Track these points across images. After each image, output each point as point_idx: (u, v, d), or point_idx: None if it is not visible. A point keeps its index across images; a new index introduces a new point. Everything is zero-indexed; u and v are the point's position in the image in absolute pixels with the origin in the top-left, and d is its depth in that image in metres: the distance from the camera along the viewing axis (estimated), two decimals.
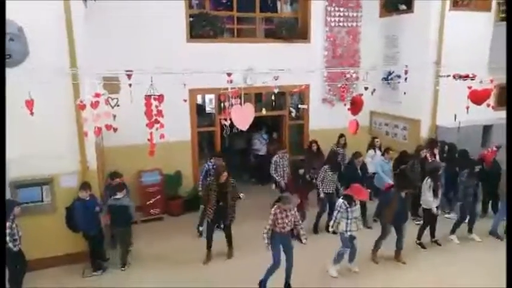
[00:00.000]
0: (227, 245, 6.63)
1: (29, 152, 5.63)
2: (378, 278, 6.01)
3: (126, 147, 7.71)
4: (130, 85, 4.24)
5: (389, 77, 9.29)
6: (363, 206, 7.05)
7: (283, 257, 5.50)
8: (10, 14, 5.24)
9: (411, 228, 6.99)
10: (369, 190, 7.17)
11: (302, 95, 9.59)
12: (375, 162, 8.16)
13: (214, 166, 7.36)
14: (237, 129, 5.14)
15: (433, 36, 8.51)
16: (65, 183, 6.02)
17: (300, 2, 9.60)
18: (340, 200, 5.91)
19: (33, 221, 5.72)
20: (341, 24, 9.48)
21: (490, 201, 7.81)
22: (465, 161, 7.51)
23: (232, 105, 5.07)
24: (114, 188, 6.25)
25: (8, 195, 5.54)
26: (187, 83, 4.68)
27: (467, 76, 6.21)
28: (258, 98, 9.37)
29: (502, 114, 7.72)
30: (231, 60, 7.42)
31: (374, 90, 6.34)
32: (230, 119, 5.01)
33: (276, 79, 5.24)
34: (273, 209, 5.37)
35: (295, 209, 5.57)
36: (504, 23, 8.30)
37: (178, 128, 7.95)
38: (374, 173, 7.96)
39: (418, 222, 7.31)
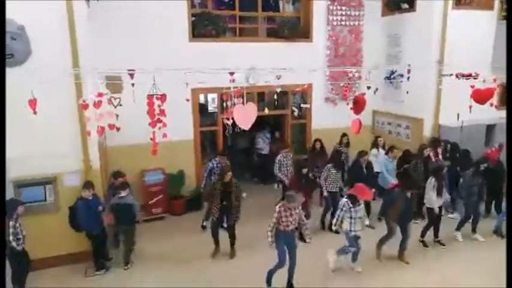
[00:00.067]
0: (230, 245, 6.63)
1: (32, 152, 5.64)
2: (380, 278, 5.99)
3: (128, 147, 7.73)
4: (133, 84, 4.23)
5: (392, 76, 9.25)
6: (367, 205, 7.04)
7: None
8: (13, 13, 5.27)
9: (414, 227, 6.96)
10: (374, 189, 7.18)
11: (304, 94, 9.57)
12: (378, 161, 8.14)
13: (218, 165, 7.41)
14: (239, 128, 5.14)
15: (436, 35, 8.49)
16: (68, 182, 6.04)
17: (302, 1, 9.58)
18: (344, 199, 5.92)
19: (36, 220, 5.74)
20: (343, 23, 9.46)
21: (494, 201, 7.77)
22: (466, 160, 7.49)
23: (234, 104, 5.06)
24: (118, 187, 6.27)
25: (11, 194, 5.56)
26: (189, 82, 4.67)
27: (470, 75, 6.17)
28: (260, 97, 9.37)
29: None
30: (233, 59, 7.40)
31: (377, 89, 6.31)
32: (232, 119, 5.00)
33: (278, 78, 5.22)
34: (277, 207, 5.38)
35: (300, 207, 5.57)
36: None
37: (181, 127, 7.94)
38: (378, 172, 7.94)
39: (416, 222, 7.26)
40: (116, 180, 6.60)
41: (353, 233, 5.87)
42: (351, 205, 5.80)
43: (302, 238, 6.25)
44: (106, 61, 6.16)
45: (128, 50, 7.44)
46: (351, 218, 5.82)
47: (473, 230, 7.15)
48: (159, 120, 4.39)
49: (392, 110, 9.70)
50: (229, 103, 5.23)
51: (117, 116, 4.79)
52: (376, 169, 7.92)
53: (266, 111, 6.34)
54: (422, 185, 6.81)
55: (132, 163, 7.72)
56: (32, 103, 4.14)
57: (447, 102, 8.41)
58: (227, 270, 6.24)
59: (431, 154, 7.75)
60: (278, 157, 7.95)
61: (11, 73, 5.23)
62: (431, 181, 6.69)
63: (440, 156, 7.90)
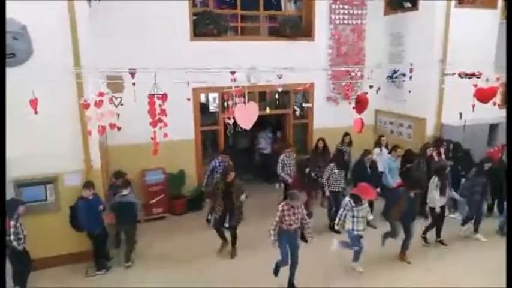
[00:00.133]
0: (231, 244, 6.63)
1: (32, 151, 5.64)
2: (382, 278, 5.97)
3: (129, 146, 7.72)
4: (134, 84, 4.21)
5: (395, 75, 9.23)
6: (370, 205, 7.02)
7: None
8: (14, 13, 5.27)
9: (416, 226, 6.95)
10: (378, 189, 7.16)
11: (306, 93, 9.54)
12: (381, 160, 8.11)
13: (221, 163, 7.42)
14: (241, 128, 5.12)
15: (439, 34, 8.44)
16: (68, 182, 6.03)
17: (304, 0, 9.54)
18: (347, 198, 5.92)
19: (37, 220, 5.74)
20: (345, 22, 9.43)
21: (496, 200, 7.73)
22: (467, 160, 7.45)
23: (235, 103, 5.03)
24: (120, 186, 6.28)
25: (12, 194, 5.56)
26: (190, 82, 4.65)
27: (473, 74, 6.12)
28: (261, 96, 9.34)
29: None
30: (234, 58, 7.36)
31: (379, 88, 6.28)
32: (234, 118, 4.97)
33: (279, 77, 5.19)
34: (280, 206, 5.37)
35: (303, 206, 5.55)
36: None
37: (182, 126, 7.94)
38: (381, 172, 7.92)
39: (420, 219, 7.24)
40: (116, 180, 6.60)
41: (355, 233, 5.86)
42: (353, 204, 5.79)
43: (303, 237, 6.23)
44: (107, 60, 6.16)
45: (129, 50, 7.43)
46: (353, 217, 5.82)
47: (476, 230, 7.12)
48: (160, 120, 4.37)
49: (394, 109, 9.66)
50: (230, 102, 5.22)
51: (118, 115, 4.78)
52: (379, 169, 7.89)
53: (267, 110, 6.32)
54: (426, 185, 6.79)
55: (132, 163, 7.72)
56: (33, 103, 4.12)
57: (450, 102, 8.37)
58: (228, 270, 6.23)
59: (434, 153, 7.72)
60: (281, 157, 7.93)
61: (12, 73, 5.23)
62: (435, 180, 6.67)
63: (443, 156, 7.87)
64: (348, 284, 5.84)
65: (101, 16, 7.10)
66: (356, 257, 6.12)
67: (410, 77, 6.32)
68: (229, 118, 5.05)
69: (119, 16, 7.43)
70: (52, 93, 4.97)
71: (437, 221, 6.84)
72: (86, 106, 4.42)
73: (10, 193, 5.50)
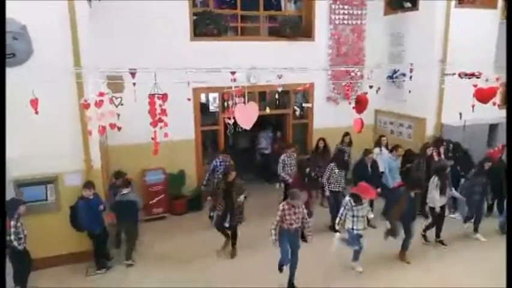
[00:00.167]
0: (231, 244, 6.63)
1: (33, 151, 5.65)
2: (381, 278, 5.98)
3: (130, 146, 7.73)
4: (134, 84, 4.22)
5: (394, 75, 9.23)
6: (370, 204, 7.02)
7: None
8: (14, 13, 5.27)
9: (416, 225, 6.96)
10: (379, 189, 7.16)
11: (306, 93, 9.55)
12: (381, 160, 8.12)
13: (222, 163, 7.44)
14: (241, 128, 5.13)
15: (439, 34, 8.45)
16: (69, 182, 6.04)
17: (304, 0, 9.55)
18: (347, 198, 5.92)
19: (37, 219, 5.74)
20: (345, 22, 9.43)
21: (496, 200, 7.74)
22: (466, 160, 7.45)
23: (235, 104, 5.04)
24: (120, 186, 6.29)
25: (12, 194, 5.56)
26: (190, 82, 4.65)
27: (472, 74, 6.13)
28: (261, 96, 9.35)
29: None
30: (234, 58, 7.36)
31: (379, 88, 6.28)
32: (234, 118, 4.98)
33: (279, 78, 5.19)
34: (281, 205, 5.38)
35: (303, 206, 5.56)
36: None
37: (182, 126, 7.95)
38: (381, 172, 7.92)
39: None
40: (116, 180, 6.60)
41: (355, 232, 5.86)
42: (353, 203, 5.80)
43: (303, 237, 6.24)
44: (107, 60, 6.16)
45: (130, 50, 7.44)
46: (353, 216, 5.83)
47: (475, 230, 7.12)
48: (160, 120, 4.37)
49: (394, 109, 9.67)
50: (230, 102, 5.22)
51: (119, 115, 4.79)
52: (380, 168, 7.90)
53: (267, 110, 6.33)
54: (426, 184, 6.79)
55: (133, 163, 7.73)
56: (34, 103, 4.12)
57: (450, 102, 8.37)
58: (228, 270, 6.24)
59: (434, 153, 7.73)
60: (282, 157, 7.93)
61: (12, 73, 5.24)
62: (435, 180, 6.68)
63: (442, 156, 7.87)
64: (348, 284, 5.84)
65: (101, 16, 7.11)
66: (356, 257, 6.12)
67: (410, 77, 6.33)
68: (229, 118, 5.06)
69: (119, 16, 7.44)
70: (52, 93, 4.98)
71: (437, 220, 6.85)
72: (86, 106, 4.43)
73: (11, 193, 5.51)
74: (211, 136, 9.74)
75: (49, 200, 5.99)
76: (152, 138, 4.30)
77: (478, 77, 6.02)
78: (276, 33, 9.14)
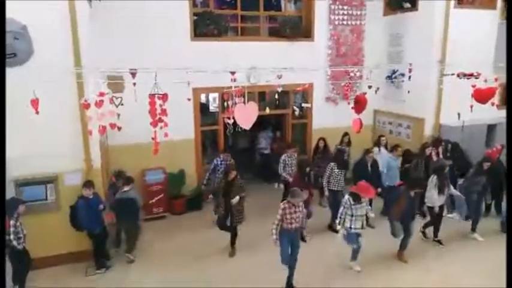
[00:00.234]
0: (230, 244, 6.65)
1: (33, 151, 5.66)
2: (380, 278, 5.99)
3: (130, 146, 7.74)
4: (134, 84, 4.23)
5: (393, 76, 9.25)
6: (369, 204, 7.05)
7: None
8: (15, 13, 5.28)
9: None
10: (379, 188, 7.18)
11: (306, 93, 9.56)
12: (380, 160, 8.13)
13: (222, 162, 7.46)
14: (240, 128, 5.15)
15: (438, 34, 8.47)
16: (69, 181, 6.05)
17: (303, 1, 9.56)
18: (346, 196, 5.94)
19: (37, 219, 5.76)
20: (345, 22, 9.45)
21: (494, 200, 7.76)
22: (463, 160, 7.46)
23: (235, 104, 5.06)
24: (122, 182, 6.33)
25: (12, 193, 5.57)
26: (191, 82, 4.67)
27: (471, 75, 6.14)
28: (261, 96, 9.36)
29: None
30: (234, 58, 7.41)
31: (378, 88, 6.30)
32: (233, 118, 5.00)
33: (279, 78, 5.21)
34: (282, 204, 5.40)
35: (303, 206, 5.57)
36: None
37: (182, 126, 7.96)
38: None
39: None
40: (117, 179, 6.61)
41: (353, 231, 5.88)
42: (352, 202, 5.82)
43: (301, 237, 6.26)
44: (108, 60, 6.17)
45: (130, 50, 7.45)
46: (352, 215, 5.84)
47: (473, 230, 7.15)
48: (161, 120, 4.39)
49: (393, 110, 9.69)
50: (230, 102, 5.24)
51: (119, 115, 4.80)
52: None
53: (267, 110, 6.35)
54: (425, 184, 6.81)
55: (133, 162, 7.74)
56: (34, 103, 4.13)
57: (448, 102, 8.39)
58: (227, 269, 6.25)
59: (433, 153, 7.75)
60: (283, 157, 7.94)
61: (12, 73, 5.24)
62: (433, 179, 6.70)
63: (441, 156, 7.89)
64: (347, 284, 5.86)
65: (102, 16, 7.12)
66: (354, 256, 6.14)
67: (409, 77, 6.34)
68: (229, 118, 5.08)
69: (120, 16, 7.44)
70: (53, 93, 4.98)
71: (436, 220, 6.87)
72: (87, 106, 4.44)
73: (11, 192, 5.52)
74: (211, 136, 9.75)
75: (49, 199, 6.00)
76: (152, 138, 4.32)
77: (476, 78, 6.04)
78: (276, 33, 9.15)
